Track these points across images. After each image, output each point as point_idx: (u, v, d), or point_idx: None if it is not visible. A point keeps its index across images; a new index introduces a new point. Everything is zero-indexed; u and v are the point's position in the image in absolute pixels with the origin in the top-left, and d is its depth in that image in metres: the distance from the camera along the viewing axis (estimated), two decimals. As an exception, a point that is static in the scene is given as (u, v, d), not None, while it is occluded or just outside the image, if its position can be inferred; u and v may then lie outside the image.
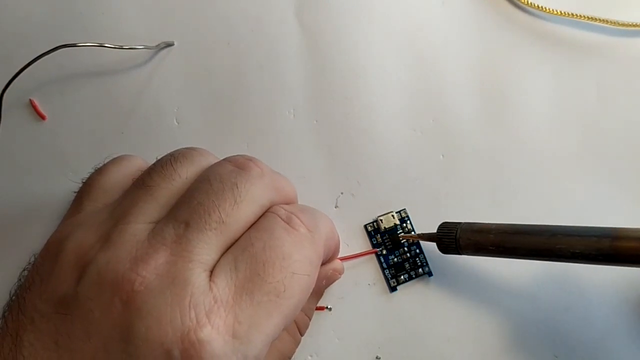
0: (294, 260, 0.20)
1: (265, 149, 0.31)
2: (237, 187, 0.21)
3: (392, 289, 0.30)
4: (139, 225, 0.20)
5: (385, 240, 0.30)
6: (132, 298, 0.18)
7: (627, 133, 0.31)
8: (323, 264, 0.27)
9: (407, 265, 0.30)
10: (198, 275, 0.18)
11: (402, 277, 0.30)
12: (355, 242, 0.30)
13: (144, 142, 0.31)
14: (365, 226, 0.30)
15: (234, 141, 0.31)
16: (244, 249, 0.20)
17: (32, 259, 0.22)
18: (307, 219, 0.22)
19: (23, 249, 0.31)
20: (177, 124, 0.31)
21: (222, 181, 0.21)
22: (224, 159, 0.23)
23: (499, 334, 0.29)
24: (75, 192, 0.25)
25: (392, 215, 0.30)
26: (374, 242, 0.30)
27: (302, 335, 0.27)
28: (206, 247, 0.19)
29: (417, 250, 0.30)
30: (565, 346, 0.29)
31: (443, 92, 0.31)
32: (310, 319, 0.28)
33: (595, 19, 0.31)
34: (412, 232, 0.30)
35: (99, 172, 0.25)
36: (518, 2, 0.31)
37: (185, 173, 0.22)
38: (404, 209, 0.30)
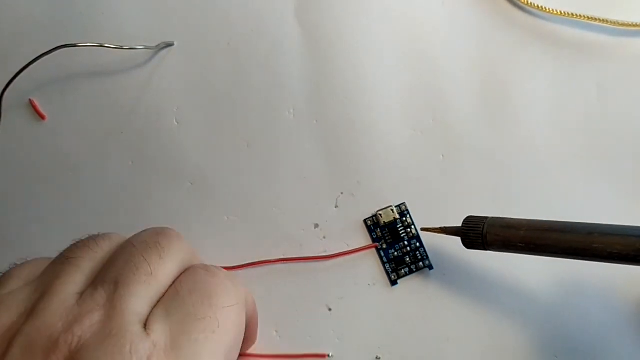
0: (220, 296, 0.21)
1: (265, 149, 0.31)
2: (160, 244, 0.22)
3: (393, 282, 0.30)
4: (66, 294, 0.20)
5: (385, 235, 0.30)
6: (73, 356, 0.18)
7: (627, 133, 0.31)
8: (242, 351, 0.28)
9: (407, 259, 0.30)
10: (134, 325, 0.19)
11: (402, 270, 0.30)
12: (355, 241, 0.30)
13: (144, 142, 0.31)
14: (365, 221, 0.30)
15: (234, 141, 0.31)
16: (172, 297, 0.21)
17: None
18: (224, 271, 0.23)
19: (23, 249, 0.31)
20: (177, 124, 0.31)
21: (145, 242, 0.22)
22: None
23: (499, 334, 0.29)
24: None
25: (392, 210, 0.30)
26: (374, 237, 0.30)
27: None
28: (138, 300, 0.20)
29: (418, 244, 0.30)
30: (565, 346, 0.29)
31: (443, 92, 0.31)
32: None
33: (595, 19, 0.31)
34: (413, 226, 0.30)
35: (19, 265, 0.25)
36: (518, 2, 0.31)
37: (108, 247, 0.22)
38: (404, 202, 0.30)
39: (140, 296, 0.20)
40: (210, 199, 0.31)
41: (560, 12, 0.31)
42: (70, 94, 0.31)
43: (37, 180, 0.31)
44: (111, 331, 0.18)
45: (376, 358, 0.30)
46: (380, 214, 0.30)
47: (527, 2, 0.31)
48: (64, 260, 0.22)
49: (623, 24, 0.31)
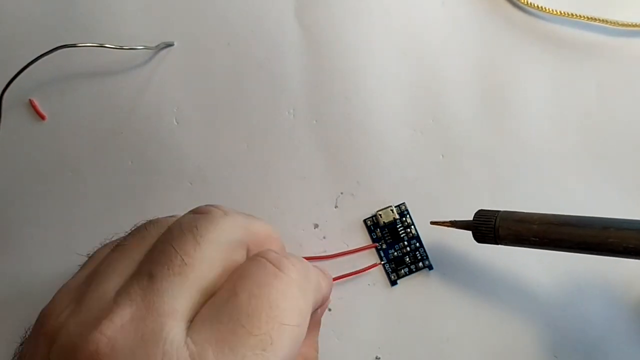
0: (283, 309, 0.18)
1: (265, 149, 0.31)
2: (197, 228, 0.19)
3: (393, 282, 0.30)
4: (109, 284, 0.19)
5: (385, 235, 0.30)
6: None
7: (627, 133, 0.31)
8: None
9: (407, 259, 0.30)
10: (170, 330, 0.17)
11: (402, 270, 0.30)
12: (355, 241, 0.30)
13: (144, 142, 0.31)
14: (365, 221, 0.30)
15: (233, 141, 0.31)
16: (227, 299, 0.18)
17: (27, 333, 0.21)
18: (299, 263, 0.20)
19: (22, 249, 0.31)
20: (176, 123, 0.31)
21: (181, 227, 0.20)
22: (188, 211, 0.22)
23: (499, 334, 0.29)
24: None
25: (391, 210, 0.30)
26: (374, 237, 0.30)
27: None
28: (175, 296, 0.18)
29: (417, 244, 0.30)
30: (565, 346, 0.29)
31: (443, 92, 0.31)
32: (317, 352, 0.26)
33: (595, 19, 0.31)
34: (412, 226, 0.30)
35: (103, 246, 0.24)
36: (518, 2, 0.31)
37: (155, 232, 0.21)
38: (404, 202, 0.30)
39: (176, 290, 0.18)
40: (210, 199, 0.31)
41: (560, 12, 0.31)
42: (70, 94, 0.31)
43: (37, 180, 0.31)
44: (143, 335, 0.17)
45: (376, 358, 0.30)
46: (380, 214, 0.30)
47: (527, 2, 0.31)
48: (116, 247, 0.20)
49: (623, 24, 0.31)
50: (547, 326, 0.29)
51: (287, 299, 0.19)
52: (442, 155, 0.31)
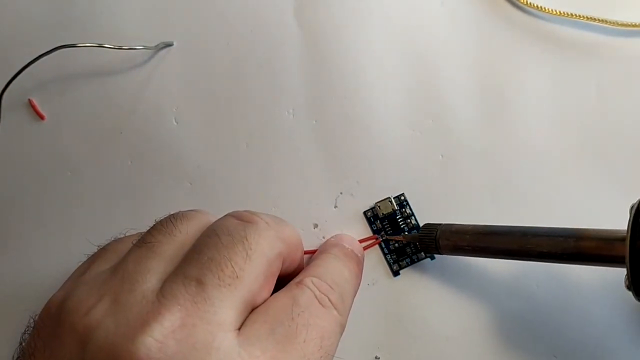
0: (331, 342, 0.20)
1: (264, 149, 0.31)
2: (247, 240, 0.20)
3: (395, 273, 0.30)
4: (147, 284, 0.18)
5: (385, 226, 0.30)
6: None
7: (626, 133, 0.31)
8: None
9: (408, 250, 0.30)
10: (222, 340, 0.17)
11: (404, 261, 0.30)
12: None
13: (143, 142, 0.31)
14: (365, 212, 0.30)
15: (233, 141, 0.31)
16: (283, 322, 0.19)
17: (32, 321, 0.20)
18: (336, 297, 0.22)
19: (21, 249, 0.31)
20: (176, 123, 0.31)
21: (230, 234, 0.20)
22: (227, 214, 0.22)
23: (499, 334, 0.29)
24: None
25: (390, 201, 0.30)
26: (374, 229, 0.30)
27: None
28: (224, 306, 0.18)
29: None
30: (565, 346, 0.29)
31: (442, 92, 0.31)
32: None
33: (595, 19, 0.30)
34: (413, 217, 0.30)
35: (118, 240, 0.24)
36: (518, 2, 0.31)
37: (186, 228, 0.21)
38: (403, 193, 0.30)
39: (225, 300, 0.18)
40: (210, 199, 0.31)
41: (560, 12, 0.31)
42: (69, 94, 0.31)
43: (36, 180, 0.31)
44: (195, 343, 0.16)
45: (375, 358, 0.30)
46: (379, 206, 0.30)
47: (527, 2, 0.31)
48: (142, 244, 0.20)
49: (623, 24, 0.31)
50: (546, 326, 0.29)
51: (333, 334, 0.21)
52: (442, 155, 0.31)
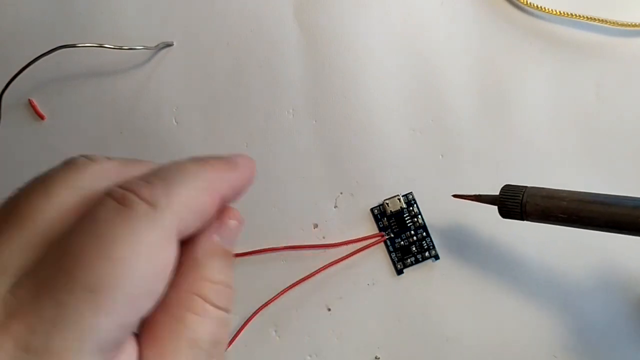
0: (122, 245, 0.15)
1: (264, 148, 0.31)
2: (49, 175, 0.18)
3: (399, 272, 0.30)
4: None
5: (392, 224, 0.30)
6: None
7: (626, 133, 0.31)
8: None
9: (413, 249, 0.30)
10: None
11: (408, 260, 0.30)
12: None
13: (143, 142, 0.31)
14: (372, 209, 0.30)
15: (233, 141, 0.31)
16: (58, 243, 0.16)
17: None
18: (153, 189, 0.17)
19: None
20: (176, 123, 0.31)
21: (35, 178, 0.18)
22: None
23: (499, 334, 0.29)
24: None
25: (399, 199, 0.30)
26: (380, 226, 0.30)
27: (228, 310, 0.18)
28: (9, 250, 0.15)
29: (424, 234, 0.30)
30: (565, 346, 0.29)
31: (442, 92, 0.31)
32: (232, 289, 0.19)
33: (595, 19, 0.30)
34: (420, 216, 0.30)
35: None
36: (517, 2, 0.31)
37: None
38: (411, 192, 0.30)
39: (13, 245, 0.16)
40: (210, 199, 0.31)
41: (560, 12, 0.31)
42: (69, 94, 0.31)
43: (37, 180, 0.31)
44: None
45: (375, 358, 0.30)
46: (387, 203, 0.30)
47: (527, 2, 0.31)
48: None
49: (622, 24, 0.31)
50: (546, 326, 0.29)
51: (127, 235, 0.16)
52: (442, 155, 0.31)
